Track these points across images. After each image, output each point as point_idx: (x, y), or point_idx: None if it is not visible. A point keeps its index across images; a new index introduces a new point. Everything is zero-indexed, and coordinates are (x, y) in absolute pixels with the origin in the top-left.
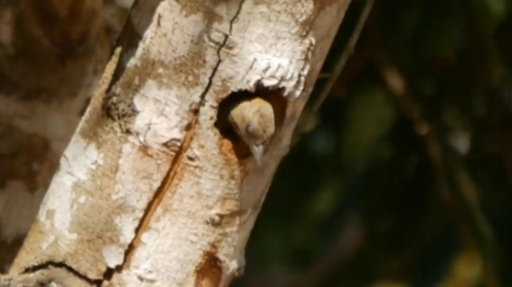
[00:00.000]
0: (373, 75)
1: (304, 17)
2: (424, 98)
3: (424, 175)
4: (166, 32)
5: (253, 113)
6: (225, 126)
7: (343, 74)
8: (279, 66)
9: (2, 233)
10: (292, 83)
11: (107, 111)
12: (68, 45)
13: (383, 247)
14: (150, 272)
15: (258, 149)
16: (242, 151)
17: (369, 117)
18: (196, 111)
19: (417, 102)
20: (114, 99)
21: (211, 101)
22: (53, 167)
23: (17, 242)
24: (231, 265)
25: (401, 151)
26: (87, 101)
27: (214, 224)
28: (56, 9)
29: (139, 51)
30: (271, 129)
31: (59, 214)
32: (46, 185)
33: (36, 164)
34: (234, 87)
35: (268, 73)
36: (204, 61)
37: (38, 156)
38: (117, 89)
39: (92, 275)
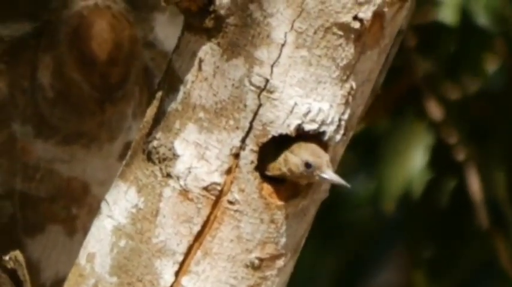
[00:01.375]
0: (413, 104)
1: (345, 62)
2: (464, 125)
3: (461, 202)
4: (208, 76)
5: (307, 154)
6: (266, 172)
7: (384, 104)
8: (320, 110)
9: (41, 276)
10: (332, 127)
11: (148, 155)
12: (107, 89)
13: (426, 276)
14: None
15: (329, 175)
16: (283, 195)
17: (409, 146)
18: (236, 155)
19: (457, 129)
20: (155, 143)
21: (251, 145)
22: (92, 211)
23: (56, 286)
24: None
25: (440, 176)
26: (126, 145)
27: (254, 267)
28: (95, 53)
29: (180, 95)
30: (323, 153)
31: (99, 257)
32: (85, 229)
33: (75, 208)
34: (274, 131)
35: (308, 117)
36: (245, 105)
37: (77, 200)
38: (158, 133)
39: None
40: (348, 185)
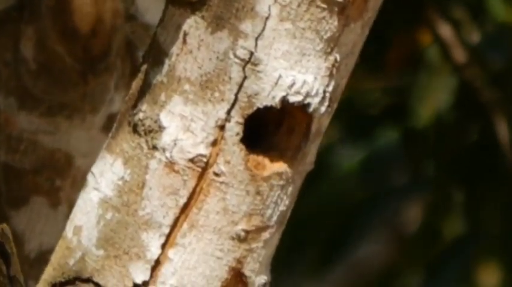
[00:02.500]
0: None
1: (328, 34)
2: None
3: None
4: (192, 49)
5: None
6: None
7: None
8: (304, 82)
9: (25, 248)
10: (317, 99)
11: (134, 128)
12: (89, 61)
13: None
14: None
15: None
16: (268, 167)
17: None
18: (222, 127)
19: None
20: (141, 115)
21: (237, 117)
22: (76, 183)
23: (40, 258)
24: (257, 280)
25: (465, 118)
26: (109, 117)
27: (240, 239)
28: (78, 26)
29: (165, 68)
30: None
31: (86, 230)
32: (69, 201)
33: (59, 180)
34: (259, 103)
35: (293, 89)
36: (230, 77)
37: (61, 172)
38: (144, 105)
39: None
40: None
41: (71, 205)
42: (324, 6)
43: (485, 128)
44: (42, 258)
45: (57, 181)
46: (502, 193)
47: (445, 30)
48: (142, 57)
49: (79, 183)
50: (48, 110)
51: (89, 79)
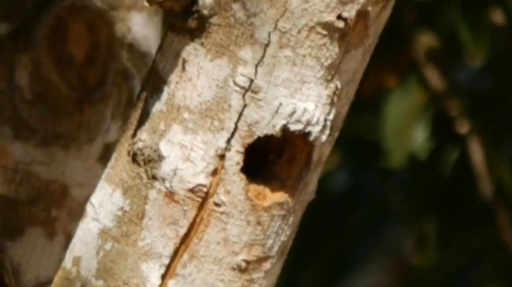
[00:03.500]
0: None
1: (329, 61)
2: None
3: (463, 174)
4: (191, 76)
5: None
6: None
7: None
8: (305, 110)
9: (22, 279)
10: (318, 128)
11: (133, 157)
12: (85, 90)
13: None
14: None
15: None
16: (269, 197)
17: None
18: (222, 157)
19: (458, 99)
20: (140, 144)
21: (237, 146)
22: (72, 213)
23: None
24: None
25: (441, 148)
26: (106, 147)
27: (241, 270)
28: (73, 53)
29: (164, 96)
30: None
31: (85, 260)
32: (65, 232)
33: (55, 211)
34: (259, 132)
35: (293, 118)
36: (230, 106)
37: (56, 202)
38: (143, 134)
39: None
40: None
41: (67, 236)
42: (324, 32)
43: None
44: None
45: (53, 211)
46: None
47: (422, 57)
48: (141, 85)
49: (75, 213)
50: (44, 140)
51: (85, 108)
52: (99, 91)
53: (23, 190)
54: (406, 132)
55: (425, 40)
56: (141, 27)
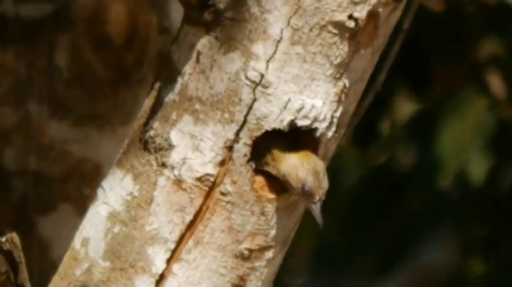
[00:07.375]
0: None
1: (339, 60)
2: None
3: None
4: (205, 68)
5: (307, 173)
6: (259, 166)
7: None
8: (313, 107)
9: (51, 254)
10: (324, 124)
11: (144, 145)
12: (122, 72)
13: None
14: None
15: (315, 207)
16: (274, 189)
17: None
18: (230, 148)
19: None
20: (152, 133)
21: (245, 138)
22: None
23: None
24: None
25: (502, 160)
26: None
27: (244, 258)
28: (111, 37)
29: (177, 86)
30: (325, 185)
31: (94, 242)
32: None
33: (87, 189)
34: (267, 126)
35: (301, 113)
36: (240, 99)
37: (89, 181)
38: (155, 123)
39: None
40: (321, 223)
41: None
42: (335, 31)
43: None
44: None
45: (85, 189)
46: None
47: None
48: (155, 75)
49: None
50: (79, 120)
51: (121, 90)
52: (135, 74)
53: (57, 167)
54: (463, 144)
55: (489, 46)
56: (179, 15)
